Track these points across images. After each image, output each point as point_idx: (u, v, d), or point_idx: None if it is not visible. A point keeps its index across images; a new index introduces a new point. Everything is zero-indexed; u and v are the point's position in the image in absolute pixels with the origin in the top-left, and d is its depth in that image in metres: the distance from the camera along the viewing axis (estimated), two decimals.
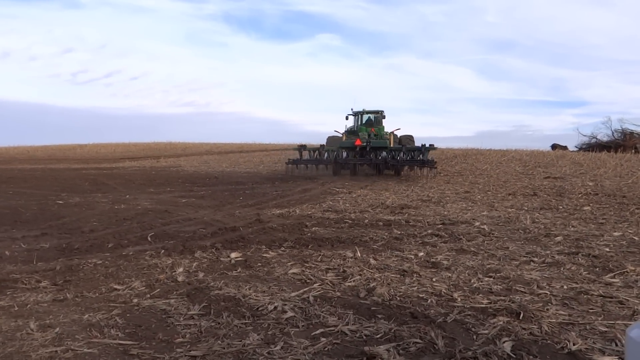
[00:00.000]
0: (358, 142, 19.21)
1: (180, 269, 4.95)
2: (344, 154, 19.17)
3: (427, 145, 18.09)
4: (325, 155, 19.50)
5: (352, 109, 23.61)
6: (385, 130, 22.47)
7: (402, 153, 18.72)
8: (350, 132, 22.61)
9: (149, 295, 4.13)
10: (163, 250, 5.84)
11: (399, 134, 22.83)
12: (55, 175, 20.17)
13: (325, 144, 22.22)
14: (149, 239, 6.62)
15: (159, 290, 4.28)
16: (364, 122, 23.14)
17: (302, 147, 20.24)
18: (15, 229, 7.49)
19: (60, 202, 10.94)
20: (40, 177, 18.52)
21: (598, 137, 38.41)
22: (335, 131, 24.14)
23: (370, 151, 19.09)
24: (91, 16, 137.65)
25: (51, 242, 6.46)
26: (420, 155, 17.88)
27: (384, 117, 23.26)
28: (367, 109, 23.44)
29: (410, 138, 22.02)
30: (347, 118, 23.42)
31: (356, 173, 19.26)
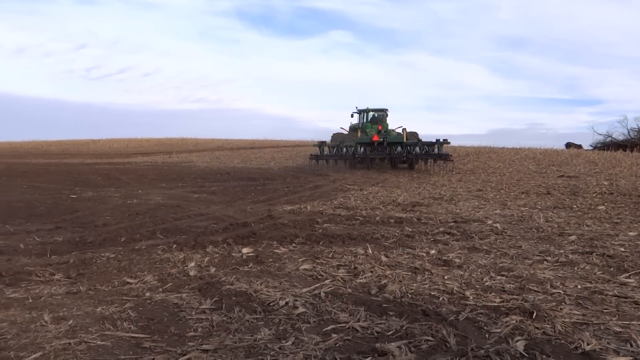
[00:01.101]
0: (375, 138, 20.10)
1: (192, 264, 4.98)
2: (361, 149, 20.01)
3: (441, 140, 18.94)
4: (344, 150, 20.52)
5: (356, 107, 24.92)
6: (390, 127, 23.52)
7: (417, 147, 19.64)
8: (353, 129, 24.08)
9: (161, 289, 4.16)
10: (175, 245, 5.88)
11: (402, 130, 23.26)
12: (69, 169, 20.39)
13: (330, 140, 23.61)
14: (160, 234, 6.66)
15: (171, 284, 4.31)
16: (369, 119, 24.39)
17: (322, 144, 21.45)
18: (30, 222, 7.59)
19: (74, 196, 11.06)
20: (54, 172, 18.73)
21: (614, 136, 38.01)
22: (341, 128, 25.69)
23: (386, 146, 19.96)
24: (104, 12, 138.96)
25: (65, 235, 6.53)
26: (436, 149, 18.91)
27: (387, 115, 24.61)
28: (371, 107, 24.59)
29: (414, 135, 22.41)
30: (352, 116, 24.98)
31: (371, 167, 20.05)
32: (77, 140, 54.07)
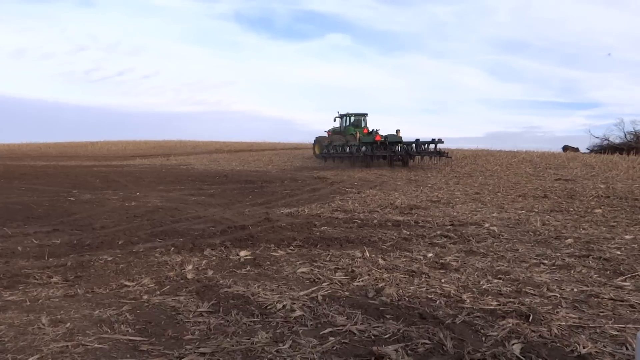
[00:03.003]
0: (378, 138, 22.72)
1: (190, 267, 4.98)
2: (363, 148, 22.25)
3: (436, 139, 21.72)
4: (347, 149, 22.70)
5: (338, 112, 27.78)
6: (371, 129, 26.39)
7: (414, 146, 22.23)
8: (336, 132, 27.35)
9: (158, 292, 4.16)
10: (173, 248, 5.88)
11: (384, 133, 25.38)
12: (67, 172, 20.36)
13: (313, 142, 28.44)
14: (158, 237, 6.65)
15: (168, 287, 4.31)
16: (351, 122, 27.34)
17: (329, 144, 24.56)
18: (28, 224, 7.58)
19: (72, 198, 11.05)
20: (51, 174, 18.71)
21: (610, 139, 38.04)
22: (325, 131, 28.79)
23: (387, 145, 22.36)
24: (104, 15, 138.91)
25: (62, 238, 6.53)
26: (431, 147, 21.59)
27: (366, 118, 27.64)
28: (352, 111, 27.61)
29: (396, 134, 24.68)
30: (334, 120, 27.84)
31: (370, 165, 22.07)
32: (75, 143, 53.99)
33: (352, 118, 27.60)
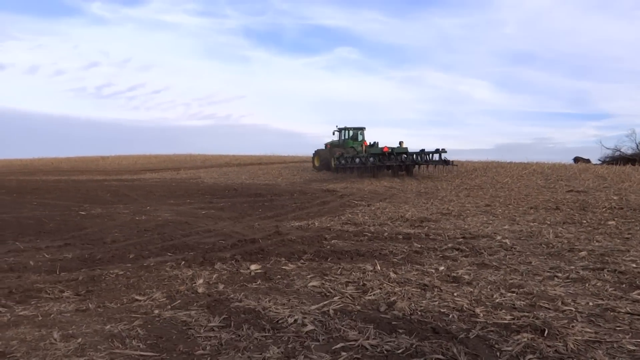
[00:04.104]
0: (385, 149, 23.76)
1: (201, 281, 4.98)
2: (371, 159, 23.35)
3: (440, 149, 22.77)
4: (357, 160, 23.82)
5: (337, 126, 29.06)
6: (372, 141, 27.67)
7: (418, 156, 23.23)
8: (335, 146, 28.52)
9: (169, 307, 4.16)
10: (183, 262, 5.89)
11: (382, 145, 26.63)
12: (78, 186, 20.53)
13: (312, 155, 29.70)
14: (169, 251, 6.67)
15: (179, 301, 4.31)
16: (350, 136, 28.71)
17: (341, 155, 25.47)
18: (39, 239, 7.63)
19: (83, 213, 11.12)
20: (63, 189, 18.87)
21: (622, 150, 37.65)
22: (324, 144, 29.83)
23: (395, 156, 23.43)
24: (116, 32, 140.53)
25: (74, 252, 6.56)
26: (439, 156, 22.61)
27: (364, 132, 28.98)
28: (349, 125, 29.08)
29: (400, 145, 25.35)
30: (334, 133, 28.95)
31: (377, 175, 23.05)
32: (87, 157, 54.49)
33: (351, 132, 29.07)
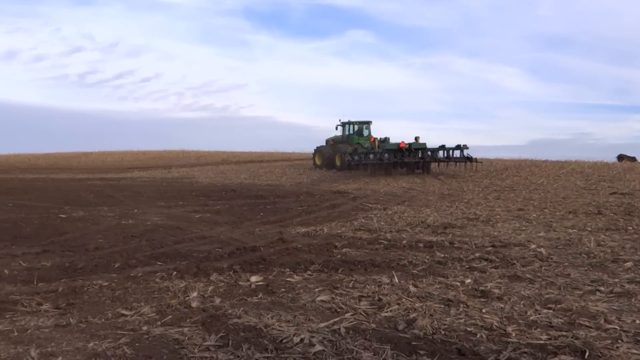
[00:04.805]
0: (402, 145, 23.95)
1: (195, 294, 4.99)
2: (386, 155, 23.54)
3: (462, 145, 23.31)
4: (371, 156, 23.95)
5: (339, 120, 29.40)
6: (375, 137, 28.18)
7: (440, 152, 23.73)
8: (338, 142, 28.93)
9: (159, 323, 4.17)
10: (175, 272, 5.91)
11: (394, 140, 26.84)
12: (58, 186, 20.68)
13: (313, 152, 29.90)
14: (159, 259, 6.69)
15: (170, 317, 4.32)
16: (355, 131, 29.05)
17: (354, 151, 25.48)
18: (15, 245, 7.70)
19: (63, 216, 11.20)
20: (42, 188, 19.01)
21: None
22: (326, 140, 30.11)
23: (412, 152, 23.69)
24: (102, 13, 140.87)
25: (53, 260, 6.61)
26: (461, 152, 23.14)
27: (370, 126, 29.46)
28: (353, 119, 29.31)
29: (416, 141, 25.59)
30: (336, 128, 29.41)
31: (392, 174, 23.52)
32: (68, 153, 54.90)
33: (355, 126, 29.28)
